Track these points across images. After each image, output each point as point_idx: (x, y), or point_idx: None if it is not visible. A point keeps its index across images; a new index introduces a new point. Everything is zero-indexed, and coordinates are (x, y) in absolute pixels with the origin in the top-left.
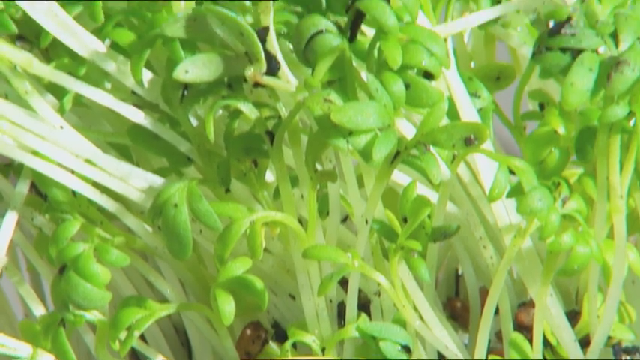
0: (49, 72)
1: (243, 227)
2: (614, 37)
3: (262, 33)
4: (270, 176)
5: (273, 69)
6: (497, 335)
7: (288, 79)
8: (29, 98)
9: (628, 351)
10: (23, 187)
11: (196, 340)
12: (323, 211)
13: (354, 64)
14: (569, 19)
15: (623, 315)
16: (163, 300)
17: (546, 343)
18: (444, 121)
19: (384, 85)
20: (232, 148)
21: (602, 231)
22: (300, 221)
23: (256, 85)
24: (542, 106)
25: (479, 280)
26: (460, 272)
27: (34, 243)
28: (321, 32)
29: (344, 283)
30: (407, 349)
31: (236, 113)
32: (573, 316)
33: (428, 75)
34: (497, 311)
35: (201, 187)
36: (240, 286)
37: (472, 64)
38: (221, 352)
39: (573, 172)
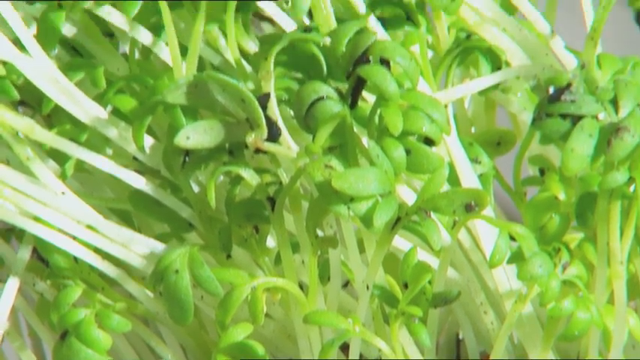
0: (50, 138)
1: (245, 293)
2: (614, 103)
3: (263, 99)
4: (271, 242)
5: (274, 135)
6: None
7: (289, 146)
8: (31, 164)
9: None
10: (25, 253)
11: None
12: (324, 277)
13: (355, 130)
14: (569, 85)
15: None
16: None
17: None
18: (445, 187)
19: (385, 151)
20: (234, 213)
21: (603, 296)
22: (301, 286)
23: (257, 151)
24: (542, 172)
25: (480, 345)
26: (461, 337)
27: (35, 309)
28: (321, 99)
29: (345, 348)
30: None
31: (237, 179)
32: None
33: (428, 141)
34: None
35: (202, 253)
36: (241, 351)
37: (472, 130)
38: None
39: (574, 237)
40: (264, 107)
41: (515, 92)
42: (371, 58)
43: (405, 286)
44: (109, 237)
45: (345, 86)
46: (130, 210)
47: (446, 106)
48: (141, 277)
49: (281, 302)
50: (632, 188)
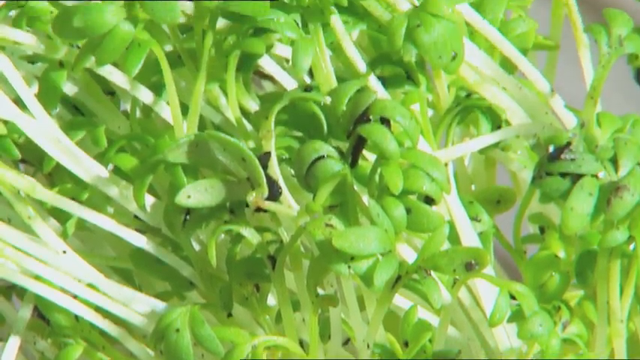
0: (51, 197)
1: (246, 352)
2: (614, 161)
3: (264, 158)
4: (272, 300)
5: (274, 194)
6: None
7: (289, 204)
8: (32, 223)
9: None
10: (26, 312)
11: None
12: (324, 335)
13: (356, 188)
14: (568, 144)
15: None
16: None
17: None
18: (445, 246)
19: (386, 210)
20: (234, 272)
21: (603, 355)
22: (302, 345)
23: (258, 210)
24: (542, 230)
25: None
26: None
27: None
28: (322, 157)
29: None
30: None
31: (238, 238)
32: None
33: (429, 200)
34: None
35: (203, 312)
36: None
37: (473, 187)
38: None
39: (574, 295)
40: (265, 166)
41: (515, 150)
42: (371, 117)
43: (406, 344)
44: (109, 296)
45: (345, 145)
46: (131, 268)
47: (446, 165)
48: (142, 336)
49: None
50: (631, 247)
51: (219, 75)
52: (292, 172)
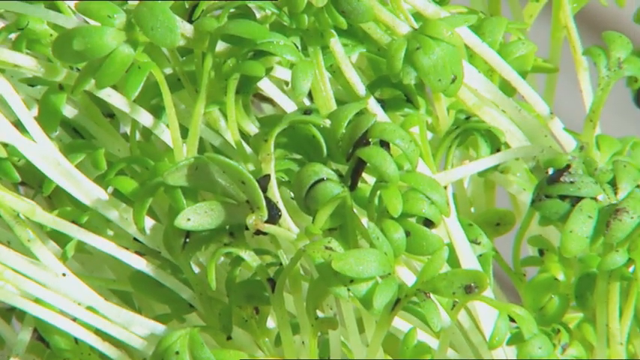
0: (51, 220)
1: None
2: (613, 184)
3: (263, 181)
4: (271, 323)
5: (274, 217)
6: None
7: (289, 227)
8: (31, 246)
9: None
10: (26, 334)
11: None
12: (324, 357)
13: (355, 211)
14: (568, 166)
15: None
16: None
17: None
18: (445, 268)
19: (385, 233)
20: (234, 295)
21: None
22: None
23: (258, 232)
24: (541, 252)
25: None
26: None
27: None
28: (321, 180)
29: None
30: None
31: (238, 260)
32: None
33: (428, 223)
34: None
35: (202, 334)
36: None
37: (472, 210)
38: None
39: (573, 317)
40: (265, 189)
41: (515, 173)
42: (371, 139)
43: None
44: (109, 318)
45: (345, 168)
46: (131, 291)
47: (445, 188)
48: (142, 359)
49: None
50: (631, 269)
51: (219, 98)
52: (292, 194)
